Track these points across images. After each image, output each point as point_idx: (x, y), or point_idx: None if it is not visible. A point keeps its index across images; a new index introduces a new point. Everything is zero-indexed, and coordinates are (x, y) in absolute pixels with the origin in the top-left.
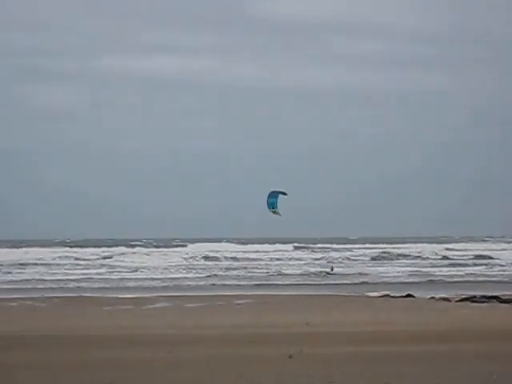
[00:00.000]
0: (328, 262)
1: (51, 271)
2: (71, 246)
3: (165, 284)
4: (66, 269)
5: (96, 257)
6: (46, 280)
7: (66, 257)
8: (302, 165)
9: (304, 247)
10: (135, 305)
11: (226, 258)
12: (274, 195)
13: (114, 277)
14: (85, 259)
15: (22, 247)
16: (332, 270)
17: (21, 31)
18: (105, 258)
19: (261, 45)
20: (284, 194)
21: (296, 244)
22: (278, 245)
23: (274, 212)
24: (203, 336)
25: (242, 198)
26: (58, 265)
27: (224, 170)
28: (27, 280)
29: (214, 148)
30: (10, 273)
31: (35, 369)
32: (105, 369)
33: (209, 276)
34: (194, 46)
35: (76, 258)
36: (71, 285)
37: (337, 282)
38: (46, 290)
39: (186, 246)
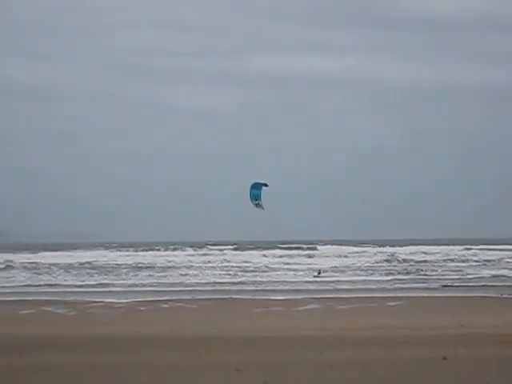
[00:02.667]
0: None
1: (201, 273)
2: (221, 250)
3: (319, 287)
4: (219, 271)
5: (259, 260)
6: (199, 283)
7: (218, 260)
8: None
9: (474, 248)
10: (286, 306)
11: (405, 260)
12: (257, 186)
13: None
14: (248, 262)
15: (156, 250)
16: (319, 273)
17: (168, 32)
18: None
19: (409, 42)
20: (266, 185)
21: (468, 246)
22: (448, 246)
23: (257, 204)
24: (354, 337)
25: (409, 195)
26: (210, 268)
27: (393, 166)
28: (175, 283)
29: (367, 148)
30: (164, 275)
31: (187, 369)
32: (259, 370)
33: (390, 279)
34: (343, 44)
35: (228, 261)
36: (225, 287)
37: (490, 283)
38: (196, 292)
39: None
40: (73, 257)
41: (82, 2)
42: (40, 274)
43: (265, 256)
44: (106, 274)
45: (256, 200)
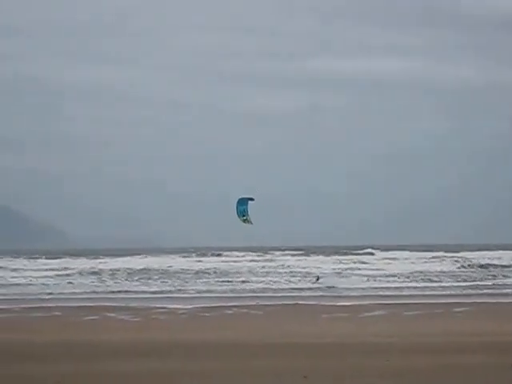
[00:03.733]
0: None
1: (265, 279)
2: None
3: (387, 293)
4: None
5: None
6: (264, 288)
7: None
8: None
9: None
10: (352, 312)
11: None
12: (243, 202)
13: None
14: (311, 267)
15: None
16: (318, 279)
17: (231, 34)
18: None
19: (477, 44)
20: (251, 199)
21: None
22: None
23: (245, 220)
24: (421, 344)
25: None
26: (275, 273)
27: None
28: (239, 289)
29: (431, 148)
30: (228, 281)
31: (253, 376)
32: (325, 377)
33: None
34: (408, 46)
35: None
36: (291, 293)
37: None
38: (262, 298)
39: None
40: (136, 262)
41: (146, 5)
42: (103, 280)
43: (327, 261)
44: (170, 280)
45: (243, 216)
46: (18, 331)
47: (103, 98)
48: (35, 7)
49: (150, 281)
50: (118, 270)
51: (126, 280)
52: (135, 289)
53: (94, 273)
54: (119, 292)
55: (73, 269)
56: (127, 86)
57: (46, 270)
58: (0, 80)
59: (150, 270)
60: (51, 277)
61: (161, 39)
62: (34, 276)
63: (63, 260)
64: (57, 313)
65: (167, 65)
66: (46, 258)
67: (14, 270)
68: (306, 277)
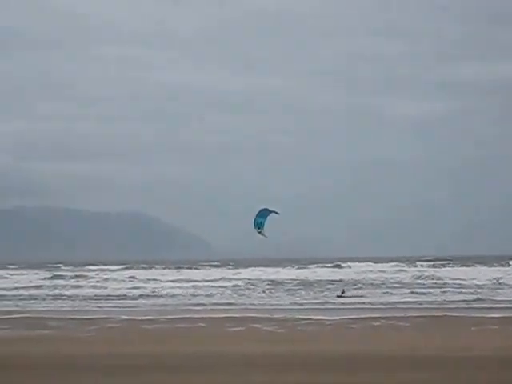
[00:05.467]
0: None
1: (411, 289)
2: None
3: None
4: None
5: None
6: (411, 300)
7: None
8: None
9: None
10: (503, 324)
11: None
12: (263, 214)
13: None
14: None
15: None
16: (343, 292)
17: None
18: None
19: None
20: (276, 213)
21: None
22: None
23: (259, 232)
24: None
25: None
26: (420, 284)
27: None
28: (386, 300)
29: None
30: (373, 292)
31: None
32: None
33: None
34: None
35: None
36: (439, 305)
37: None
38: (409, 309)
39: None
40: (279, 273)
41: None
42: (246, 290)
43: (470, 272)
44: (311, 291)
45: (259, 228)
46: (164, 343)
47: (250, 106)
48: (175, 18)
49: (292, 291)
50: (263, 281)
51: (269, 291)
52: (279, 299)
53: (235, 284)
54: (264, 303)
55: (217, 280)
56: (276, 94)
57: (189, 281)
58: (142, 88)
59: (294, 280)
60: (197, 287)
61: (305, 46)
62: (181, 286)
63: (209, 271)
64: (201, 324)
65: (306, 72)
66: (193, 269)
67: (162, 280)
68: (454, 287)
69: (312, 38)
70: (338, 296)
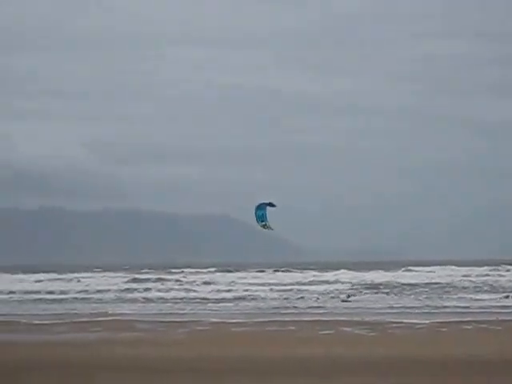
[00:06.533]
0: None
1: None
2: None
3: None
4: None
5: None
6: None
7: None
8: None
9: None
10: None
11: None
12: (262, 207)
13: None
14: None
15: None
16: (348, 297)
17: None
18: None
19: None
20: (272, 205)
21: None
22: None
23: (264, 226)
24: None
25: None
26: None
27: None
28: (473, 305)
29: None
30: (463, 297)
31: None
32: None
33: None
34: None
35: None
36: None
37: None
38: (501, 313)
39: None
40: (371, 276)
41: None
42: (337, 293)
43: None
44: (402, 294)
45: (262, 221)
46: (253, 346)
47: (327, 107)
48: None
49: (382, 295)
50: (353, 284)
51: (359, 293)
52: (371, 303)
53: (326, 287)
54: (355, 307)
55: (308, 283)
56: (356, 96)
57: (278, 283)
58: (221, 89)
59: (388, 283)
60: (287, 290)
61: (387, 49)
62: (271, 289)
63: (300, 274)
64: (291, 327)
65: (392, 74)
66: (282, 271)
67: (251, 283)
68: None
69: (389, 40)
70: (343, 301)
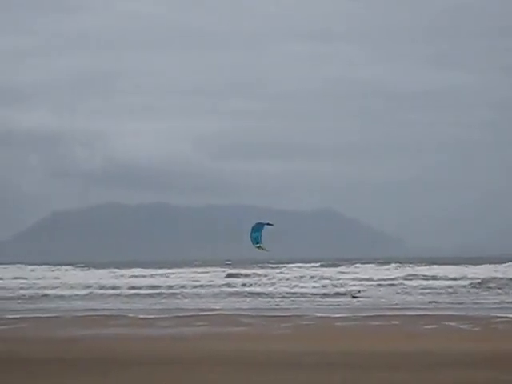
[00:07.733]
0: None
1: None
2: None
3: None
4: None
5: None
6: None
7: None
8: None
9: None
10: None
11: None
12: (258, 228)
13: None
14: None
15: None
16: (359, 292)
17: None
18: None
19: None
20: (270, 224)
21: None
22: None
23: (259, 247)
24: None
25: None
26: None
27: None
28: None
29: None
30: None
31: None
32: None
33: None
34: None
35: None
36: None
37: None
38: None
39: None
40: (476, 271)
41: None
42: (442, 288)
43: None
44: (507, 288)
45: (257, 243)
46: (356, 341)
47: (433, 102)
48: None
49: (490, 289)
50: (457, 279)
51: (468, 289)
52: (477, 298)
53: (431, 282)
54: (461, 302)
55: (413, 277)
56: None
57: (380, 279)
58: (331, 84)
59: (494, 278)
60: (392, 285)
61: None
62: (373, 284)
63: (404, 269)
64: (395, 322)
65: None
66: (385, 266)
67: (353, 278)
68: None
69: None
70: (353, 296)
